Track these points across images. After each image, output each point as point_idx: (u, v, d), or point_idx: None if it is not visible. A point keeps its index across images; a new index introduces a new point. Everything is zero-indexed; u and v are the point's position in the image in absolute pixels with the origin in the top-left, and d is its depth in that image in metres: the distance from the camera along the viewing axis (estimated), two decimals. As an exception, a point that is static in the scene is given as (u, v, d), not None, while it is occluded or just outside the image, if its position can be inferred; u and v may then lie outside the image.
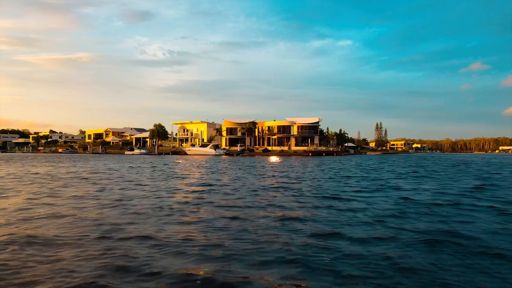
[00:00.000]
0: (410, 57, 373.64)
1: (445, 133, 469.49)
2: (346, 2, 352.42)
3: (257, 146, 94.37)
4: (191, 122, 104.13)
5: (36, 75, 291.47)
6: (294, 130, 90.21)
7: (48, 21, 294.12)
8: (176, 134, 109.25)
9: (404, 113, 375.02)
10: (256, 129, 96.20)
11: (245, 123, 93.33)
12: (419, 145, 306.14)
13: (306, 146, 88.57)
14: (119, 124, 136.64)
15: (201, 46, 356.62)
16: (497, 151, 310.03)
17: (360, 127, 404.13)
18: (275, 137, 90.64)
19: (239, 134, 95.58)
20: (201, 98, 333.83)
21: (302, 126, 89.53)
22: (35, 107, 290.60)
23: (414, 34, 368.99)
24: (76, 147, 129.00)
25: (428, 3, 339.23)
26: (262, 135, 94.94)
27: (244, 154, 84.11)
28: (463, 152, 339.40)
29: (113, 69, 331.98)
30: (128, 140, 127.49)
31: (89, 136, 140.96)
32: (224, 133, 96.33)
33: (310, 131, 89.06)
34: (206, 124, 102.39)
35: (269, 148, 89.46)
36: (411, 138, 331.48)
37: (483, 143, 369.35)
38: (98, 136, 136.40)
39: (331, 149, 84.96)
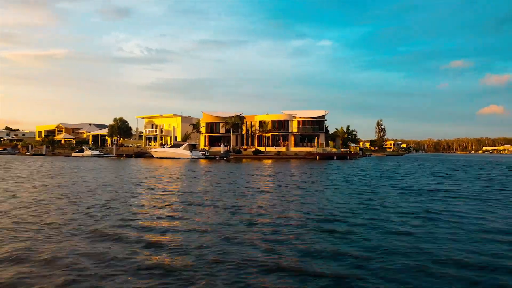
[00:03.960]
0: (390, 58, 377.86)
1: (426, 133, 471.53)
2: (327, 3, 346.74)
3: (245, 147, 74.31)
4: (160, 116, 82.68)
5: (11, 71, 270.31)
6: (293, 126, 70.50)
7: (24, 16, 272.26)
8: (143, 130, 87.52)
9: (384, 113, 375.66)
10: (244, 125, 76.08)
11: (230, 117, 73.07)
12: (404, 145, 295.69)
13: (308, 146, 69.31)
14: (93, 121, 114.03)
15: (182, 44, 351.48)
16: (480, 151, 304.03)
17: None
18: (269, 134, 70.67)
19: (222, 131, 75.18)
20: (182, 97, 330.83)
21: (303, 121, 69.90)
22: (8, 104, 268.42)
23: (394, 36, 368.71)
24: (20, 146, 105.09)
25: (407, 6, 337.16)
26: (252, 133, 74.91)
27: (229, 157, 63.89)
28: (446, 152, 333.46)
29: (89, 66, 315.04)
30: (85, 138, 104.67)
31: (40, 133, 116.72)
32: (203, 129, 75.65)
33: (315, 128, 69.44)
34: (180, 118, 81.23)
35: (261, 149, 69.60)
36: (394, 138, 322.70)
37: (465, 143, 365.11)
38: (51, 133, 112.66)
39: (342, 151, 65.80)
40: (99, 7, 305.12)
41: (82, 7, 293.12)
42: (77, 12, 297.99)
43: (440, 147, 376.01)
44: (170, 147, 64.65)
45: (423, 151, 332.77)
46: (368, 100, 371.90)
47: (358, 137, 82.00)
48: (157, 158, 62.78)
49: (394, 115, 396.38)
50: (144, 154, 71.29)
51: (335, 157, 61.29)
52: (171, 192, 15.19)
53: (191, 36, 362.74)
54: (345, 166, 38.46)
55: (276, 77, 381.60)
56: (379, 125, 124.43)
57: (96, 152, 72.57)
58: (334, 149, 64.12)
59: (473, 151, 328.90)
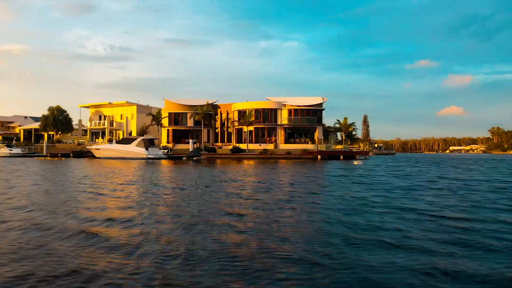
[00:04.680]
0: (353, 60, 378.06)
1: (392, 133, 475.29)
2: (293, 5, 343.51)
3: (220, 143, 58.04)
4: (110, 104, 64.50)
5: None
6: (283, 117, 54.87)
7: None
8: (88, 123, 68.78)
9: (348, 114, 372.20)
10: (219, 117, 59.78)
11: (201, 106, 56.47)
12: (376, 145, 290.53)
13: (301, 143, 54.09)
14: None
15: (146, 42, 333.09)
16: (447, 151, 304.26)
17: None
18: (252, 128, 54.64)
19: (190, 123, 58.37)
20: (147, 95, 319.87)
21: (296, 110, 54.44)
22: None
23: (357, 39, 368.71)
24: None
25: (372, 9, 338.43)
26: (228, 126, 58.72)
27: (200, 157, 47.34)
28: (413, 152, 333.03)
29: (48, 63, 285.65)
30: (17, 133, 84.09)
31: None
32: (165, 121, 58.48)
33: (311, 119, 54.14)
34: (135, 107, 63.50)
35: (242, 146, 53.57)
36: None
37: (432, 143, 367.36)
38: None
39: (350, 148, 50.95)
40: (60, 2, 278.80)
41: (42, 2, 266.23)
42: (36, 7, 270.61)
43: (408, 147, 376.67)
44: (118, 142, 47.13)
45: (394, 151, 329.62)
46: (334, 101, 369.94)
47: (354, 132, 68.00)
48: (99, 158, 45.28)
49: (358, 116, 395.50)
50: (85, 153, 53.44)
51: (341, 157, 46.44)
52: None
53: (156, 34, 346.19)
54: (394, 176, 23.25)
55: (244, 77, 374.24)
56: (365, 121, 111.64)
57: (16, 150, 53.61)
58: (339, 146, 49.23)
59: (440, 151, 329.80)
